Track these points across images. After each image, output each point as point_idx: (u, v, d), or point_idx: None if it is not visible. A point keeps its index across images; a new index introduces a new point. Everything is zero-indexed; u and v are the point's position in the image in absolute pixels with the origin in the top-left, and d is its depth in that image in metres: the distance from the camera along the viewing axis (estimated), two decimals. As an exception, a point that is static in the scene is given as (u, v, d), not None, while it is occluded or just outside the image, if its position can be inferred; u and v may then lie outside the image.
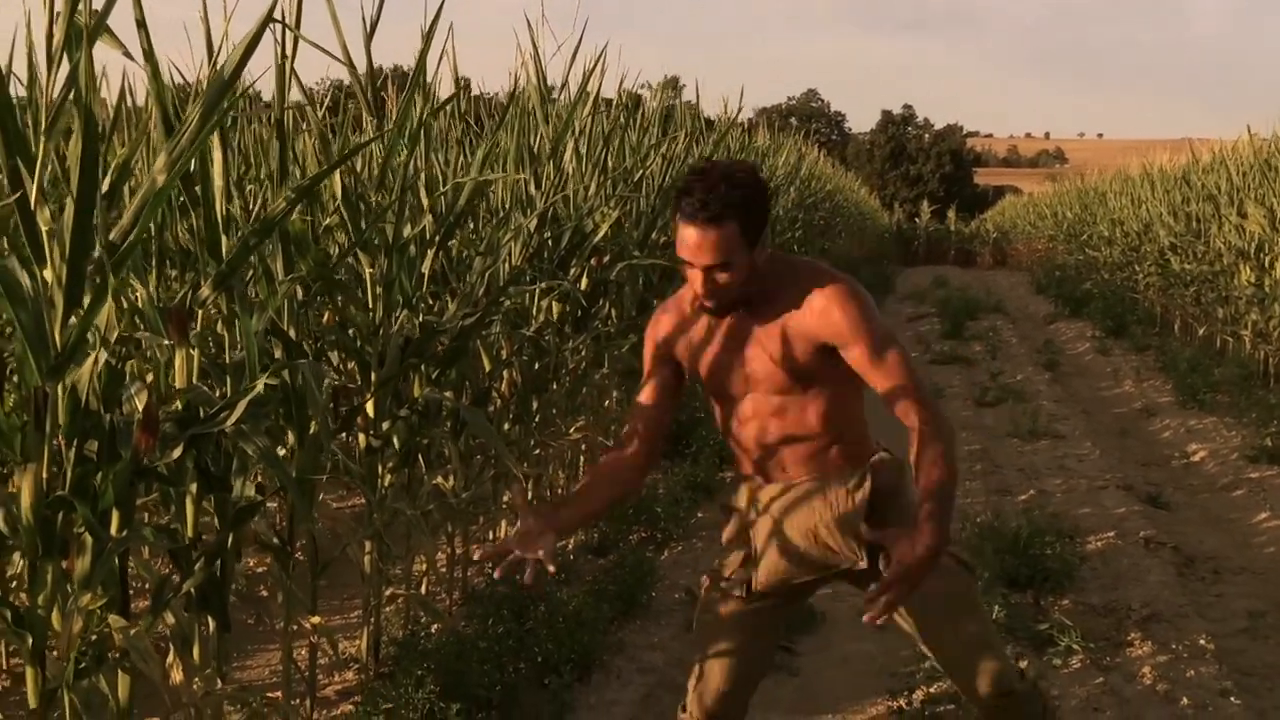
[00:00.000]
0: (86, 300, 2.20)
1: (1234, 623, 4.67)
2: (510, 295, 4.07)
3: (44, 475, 2.23)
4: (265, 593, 4.02)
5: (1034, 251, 26.18)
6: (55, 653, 2.28)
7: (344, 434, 3.61)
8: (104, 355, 2.23)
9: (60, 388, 2.20)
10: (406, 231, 3.84)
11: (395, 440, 3.73)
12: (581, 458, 6.11)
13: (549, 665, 3.81)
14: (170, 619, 2.80)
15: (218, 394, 2.74)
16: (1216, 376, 9.36)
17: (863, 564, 2.41)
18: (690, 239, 2.27)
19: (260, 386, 2.43)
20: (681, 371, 2.56)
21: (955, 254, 34.92)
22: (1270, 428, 7.66)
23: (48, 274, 2.22)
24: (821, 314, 2.35)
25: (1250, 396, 8.74)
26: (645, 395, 2.58)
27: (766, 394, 2.43)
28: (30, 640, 2.26)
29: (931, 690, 3.77)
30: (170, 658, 2.85)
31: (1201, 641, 4.29)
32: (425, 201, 4.07)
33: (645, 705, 3.77)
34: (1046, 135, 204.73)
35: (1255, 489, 6.66)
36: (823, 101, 71.91)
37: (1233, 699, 3.81)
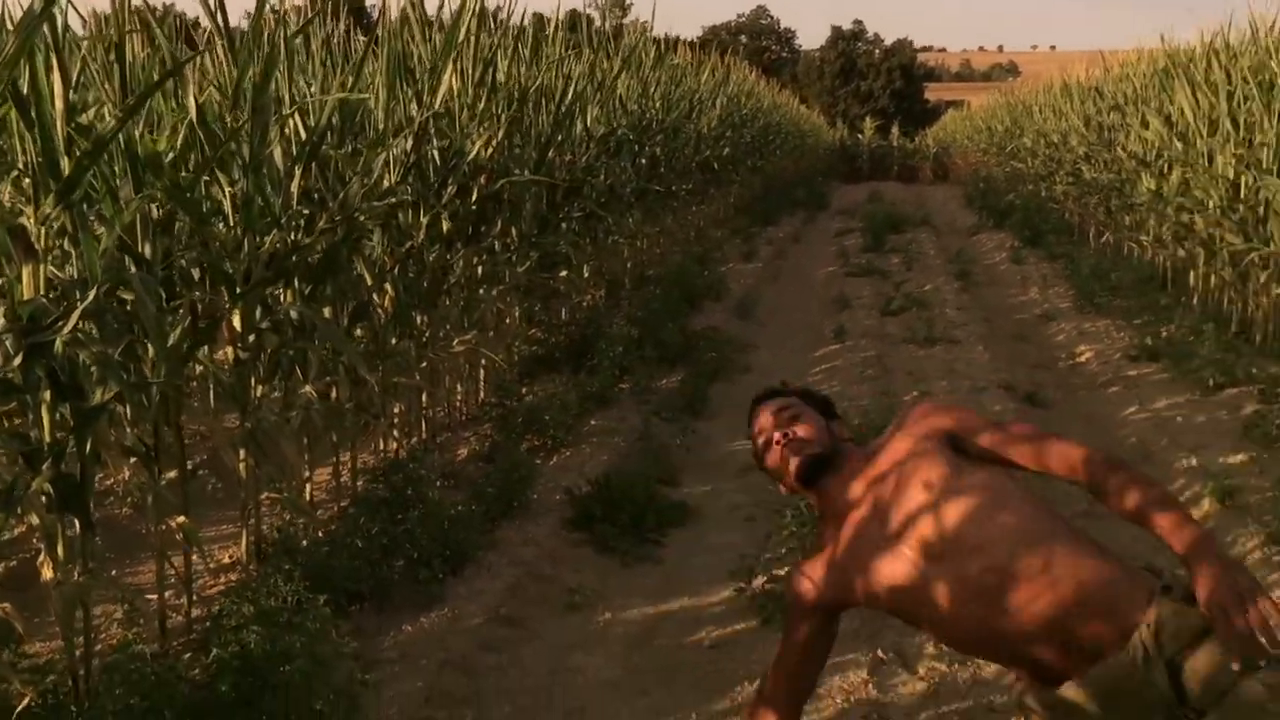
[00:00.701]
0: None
1: (1078, 505, 4.99)
2: (368, 212, 4.22)
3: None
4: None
5: (970, 165, 26.44)
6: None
7: (205, 346, 3.77)
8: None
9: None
10: (276, 153, 4.00)
11: (264, 352, 3.91)
12: (481, 369, 6.31)
13: (422, 561, 4.05)
14: (34, 519, 3.01)
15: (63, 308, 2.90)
16: (1114, 281, 9.69)
17: None
18: (763, 416, 2.35)
19: (91, 297, 2.59)
20: (831, 621, 2.26)
21: (899, 170, 35.09)
22: (1155, 328, 8.00)
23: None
24: (925, 416, 2.21)
25: (1143, 299, 9.08)
26: (785, 651, 2.28)
27: (969, 551, 1.99)
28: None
29: (770, 574, 4.04)
30: (41, 556, 3.06)
31: (1042, 523, 4.60)
32: (295, 122, 4.22)
33: (512, 593, 4.02)
34: (1000, 48, 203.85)
35: (1130, 385, 7.00)
36: (772, 18, 71.28)
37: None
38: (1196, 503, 4.91)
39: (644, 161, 9.85)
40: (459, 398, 6.12)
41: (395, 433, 5.20)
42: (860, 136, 36.89)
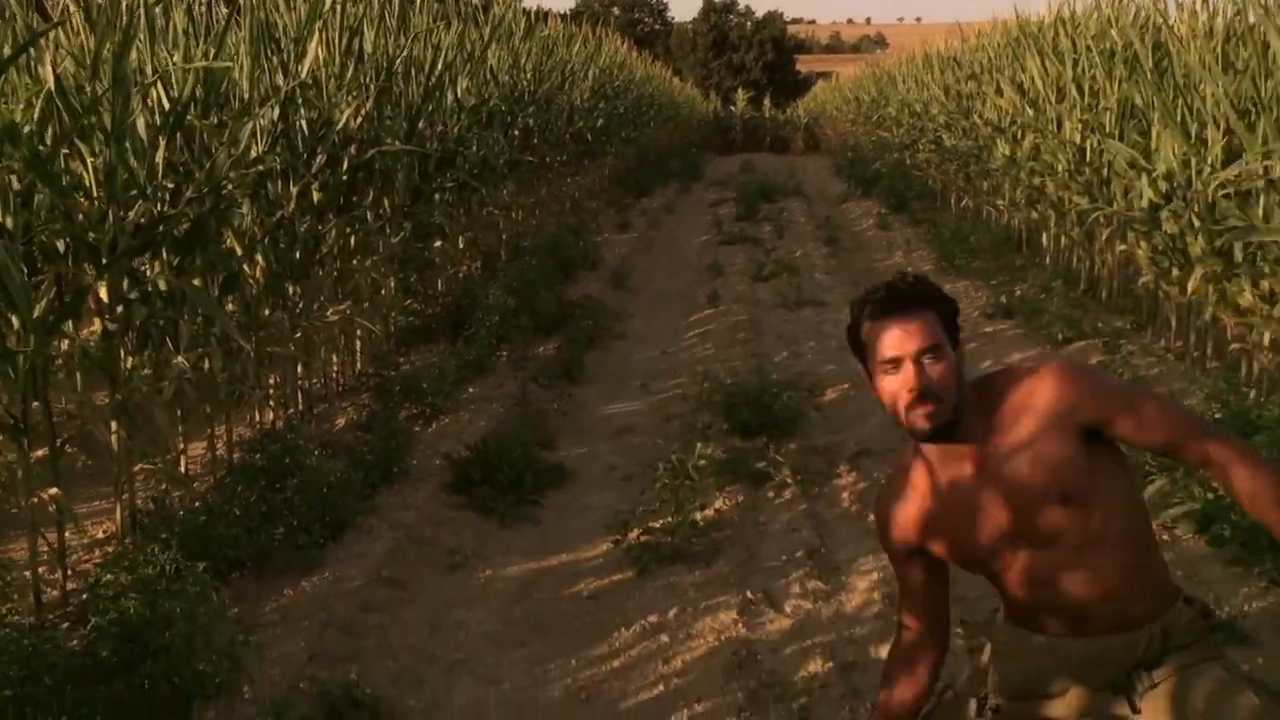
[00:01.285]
0: None
1: (936, 454, 5.26)
2: (236, 181, 4.21)
3: None
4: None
5: (840, 135, 27.00)
6: None
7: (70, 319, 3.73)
8: None
9: None
10: (140, 124, 3.96)
11: (134, 324, 3.89)
12: (357, 341, 6.32)
13: (302, 527, 4.09)
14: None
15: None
16: (973, 244, 10.09)
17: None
18: (892, 333, 1.95)
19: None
20: (937, 557, 2.15)
21: (771, 141, 35.57)
22: (1010, 287, 8.38)
23: None
24: (1060, 397, 1.98)
25: (1000, 260, 9.48)
26: (907, 592, 2.18)
27: (1044, 544, 2.00)
28: None
29: (645, 526, 4.19)
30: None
31: (902, 470, 4.85)
32: (159, 92, 4.18)
33: (393, 555, 4.09)
34: (868, 20, 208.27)
35: (986, 341, 7.35)
36: (644, -9, 71.26)
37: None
38: (1044, 447, 5.22)
39: (517, 133, 9.88)
40: (335, 369, 6.12)
41: (271, 404, 5.19)
42: (733, 108, 37.25)
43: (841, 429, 5.43)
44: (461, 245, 8.39)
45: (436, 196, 7.47)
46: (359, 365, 6.36)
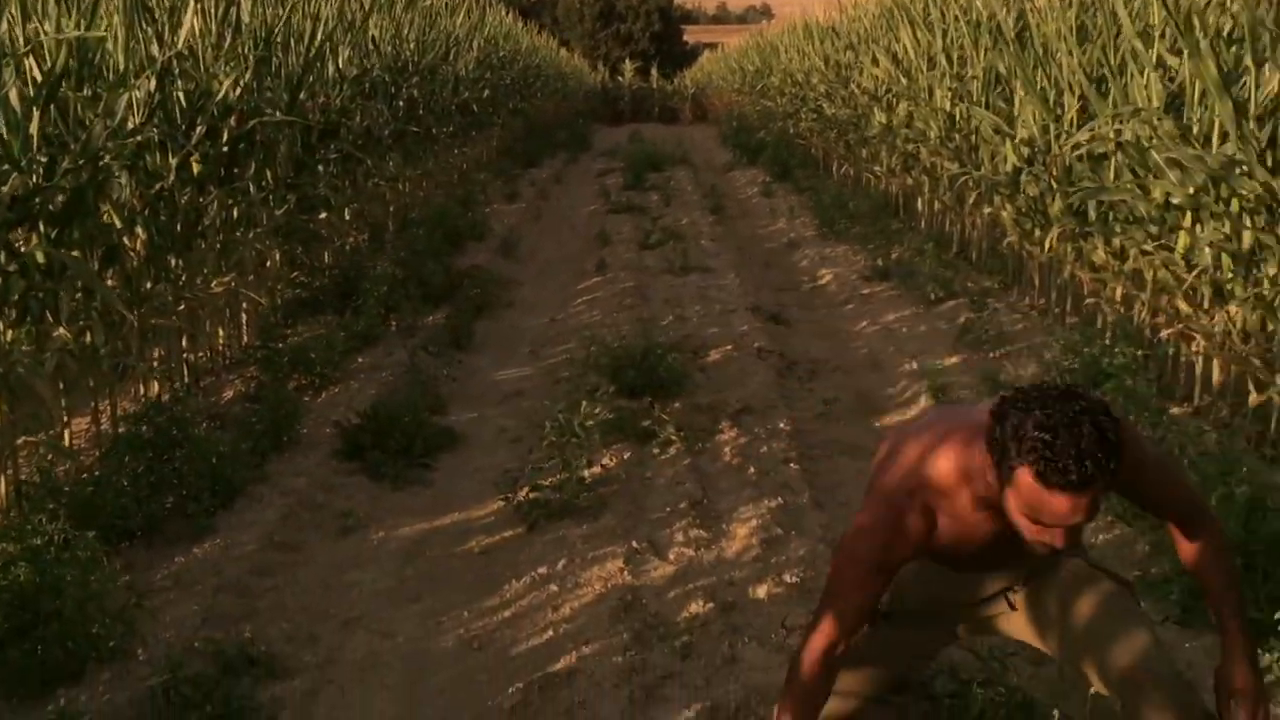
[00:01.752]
0: None
1: (813, 409, 5.50)
2: (112, 152, 4.19)
3: None
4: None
5: (726, 105, 27.27)
6: None
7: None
8: None
9: None
10: (13, 96, 3.92)
11: (11, 297, 3.87)
12: (243, 314, 6.30)
13: (192, 496, 4.12)
14: None
15: None
16: (852, 210, 10.38)
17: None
18: (1063, 504, 1.90)
19: None
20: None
21: (660, 111, 35.71)
22: (886, 250, 8.68)
23: None
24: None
25: (878, 225, 9.79)
26: (860, 600, 2.19)
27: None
28: None
29: (535, 484, 4.32)
30: None
31: (781, 425, 5.07)
32: (30, 64, 4.14)
33: (285, 521, 4.15)
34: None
35: (863, 302, 7.63)
36: (529, -40, 70.59)
37: (792, 465, 4.58)
38: (915, 399, 5.49)
39: (401, 104, 9.85)
40: (221, 342, 6.09)
41: (156, 377, 5.17)
42: (621, 79, 37.30)
43: (725, 388, 5.61)
44: (348, 217, 8.36)
45: (320, 168, 7.44)
46: (245, 338, 6.34)
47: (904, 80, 9.85)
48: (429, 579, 3.84)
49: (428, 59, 11.00)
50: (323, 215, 7.48)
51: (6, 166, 3.84)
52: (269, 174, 6.47)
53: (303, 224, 7.08)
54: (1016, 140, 6.95)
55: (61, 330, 4.01)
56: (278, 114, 6.11)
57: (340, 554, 4.02)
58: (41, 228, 4.10)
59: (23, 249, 3.94)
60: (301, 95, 6.80)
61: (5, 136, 3.85)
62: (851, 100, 12.14)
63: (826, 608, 2.17)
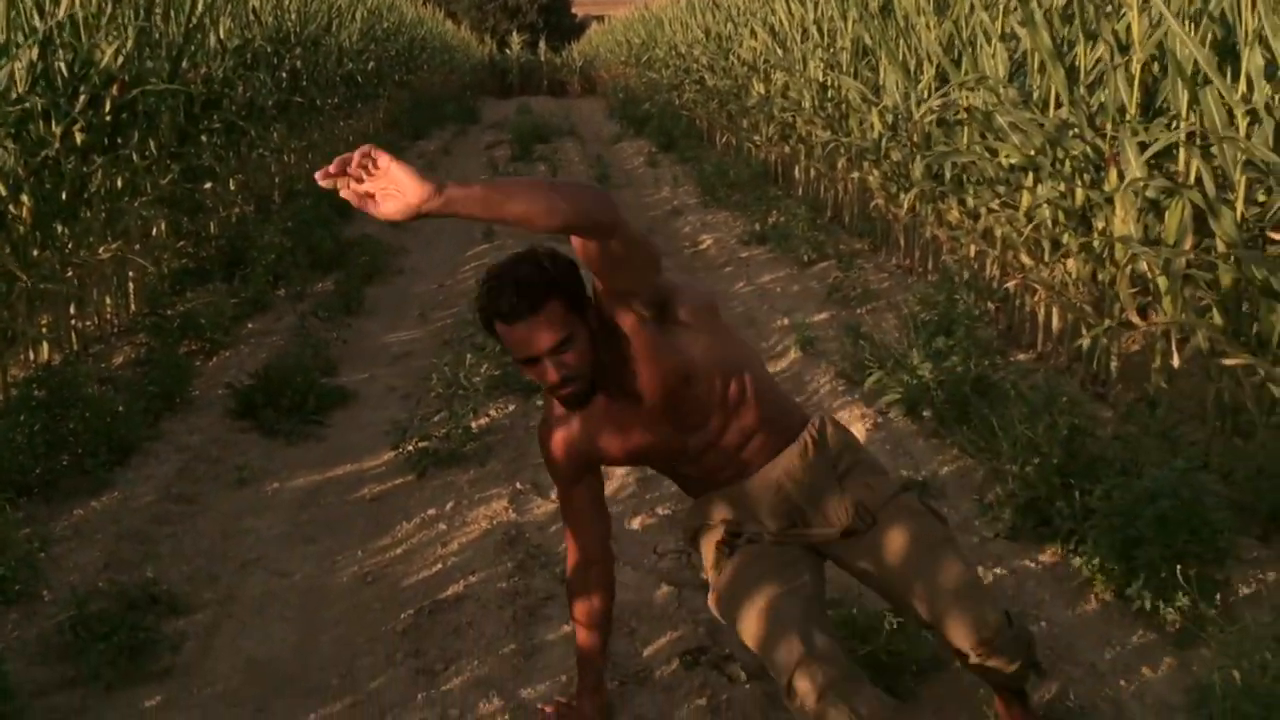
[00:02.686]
0: None
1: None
2: None
3: None
4: None
5: (614, 78, 27.46)
6: None
7: None
8: None
9: None
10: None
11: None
12: (130, 283, 6.36)
13: (88, 453, 4.25)
14: None
15: None
16: (733, 178, 10.72)
17: (842, 526, 2.41)
18: (520, 336, 2.13)
19: None
20: (598, 473, 2.49)
21: (549, 84, 35.71)
22: (764, 216, 9.03)
23: None
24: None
25: (757, 193, 10.14)
26: (575, 516, 2.50)
27: (693, 424, 2.33)
28: None
29: (423, 434, 4.54)
30: None
31: (659, 378, 5.36)
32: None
33: (181, 475, 4.31)
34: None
35: (741, 265, 7.97)
36: (413, -70, 69.51)
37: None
38: (785, 353, 5.83)
39: (284, 75, 9.87)
40: (109, 310, 6.15)
41: (45, 344, 5.24)
42: (509, 52, 37.18)
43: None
44: (233, 188, 8.41)
45: (204, 138, 7.49)
46: (133, 307, 6.40)
47: (780, 51, 10.21)
48: (323, 524, 4.04)
49: (310, 30, 11.01)
50: (208, 185, 7.54)
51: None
52: (152, 143, 6.52)
53: (188, 193, 7.13)
54: (881, 108, 7.35)
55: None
56: (159, 83, 6.16)
57: (237, 504, 4.19)
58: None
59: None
60: (184, 65, 6.86)
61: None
62: (732, 71, 12.48)
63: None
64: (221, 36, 8.05)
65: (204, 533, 3.93)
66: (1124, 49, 4.70)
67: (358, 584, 3.59)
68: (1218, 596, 3.11)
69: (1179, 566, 3.05)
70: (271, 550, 3.83)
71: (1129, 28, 4.62)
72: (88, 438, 4.27)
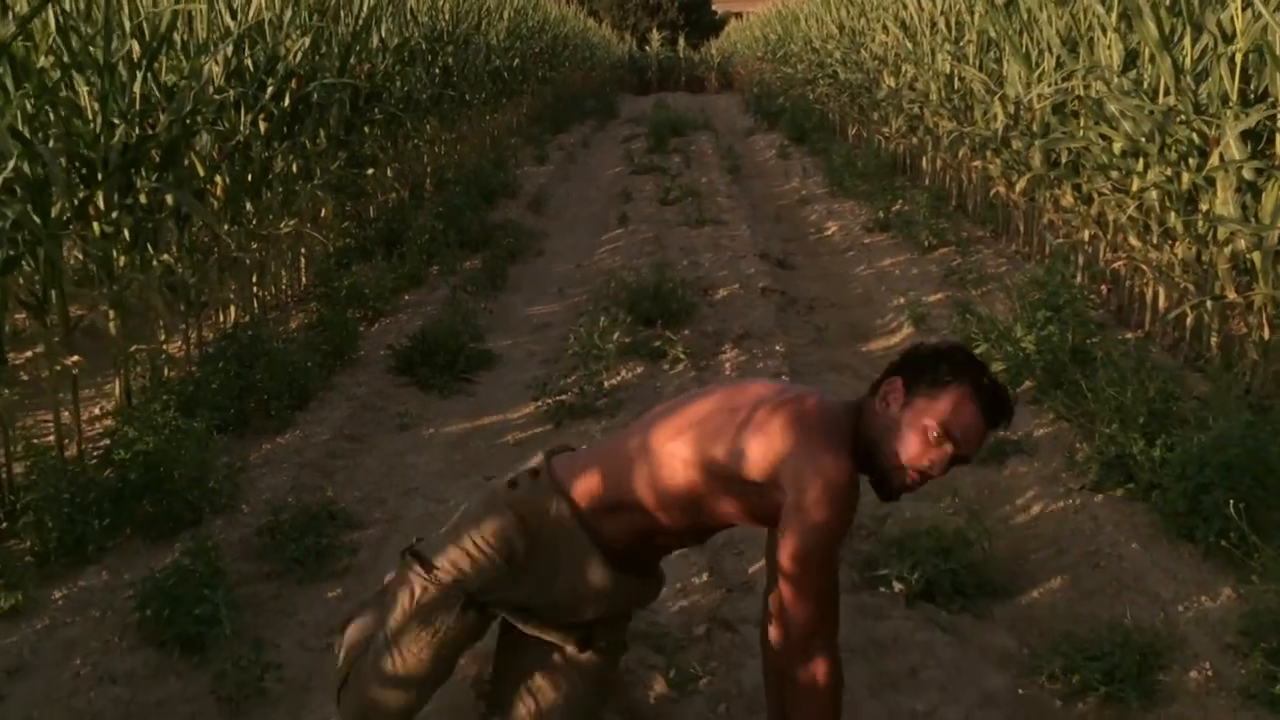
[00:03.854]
0: None
1: (808, 336, 6.20)
2: (206, 103, 4.93)
3: None
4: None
5: (750, 73, 27.81)
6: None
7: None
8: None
9: None
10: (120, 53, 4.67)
11: (125, 228, 4.64)
12: (302, 257, 7.06)
13: (273, 398, 4.88)
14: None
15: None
16: (860, 169, 11.02)
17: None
18: (978, 435, 2.18)
19: (10, 166, 3.33)
20: None
21: (686, 80, 36.19)
22: (889, 204, 9.33)
23: None
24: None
25: (883, 183, 10.42)
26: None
27: None
28: None
29: (561, 389, 5.05)
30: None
31: (777, 348, 5.78)
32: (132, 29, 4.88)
33: (351, 419, 4.91)
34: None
35: (863, 250, 8.30)
36: (556, -70, 70.77)
37: (783, 377, 5.28)
38: (899, 328, 6.18)
39: (437, 70, 10.57)
40: (284, 283, 6.86)
41: (235, 305, 5.94)
42: (648, 49, 37.77)
43: (729, 319, 6.32)
44: (390, 175, 9.10)
45: (367, 129, 8.17)
46: (304, 280, 7.10)
47: (909, 45, 10.46)
48: (473, 463, 4.58)
49: (461, 29, 11.70)
50: (369, 172, 8.22)
51: (117, 120, 4.58)
52: (323, 133, 7.21)
53: (352, 178, 7.82)
54: (1003, 97, 7.60)
55: (166, 256, 4.76)
56: (330, 78, 6.83)
57: (398, 444, 4.77)
58: (144, 173, 4.85)
59: (134, 190, 4.69)
60: (351, 61, 7.54)
61: (113, 96, 4.58)
62: (863, 65, 12.74)
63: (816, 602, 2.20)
64: (383, 35, 8.74)
65: (371, 466, 4.51)
66: (1228, 39, 4.92)
67: (503, 511, 4.10)
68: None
69: (1243, 506, 3.33)
70: (429, 482, 4.39)
71: (1232, 19, 4.85)
72: (273, 386, 4.90)
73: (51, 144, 4.23)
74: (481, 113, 13.27)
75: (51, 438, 4.19)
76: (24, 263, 4.00)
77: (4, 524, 3.78)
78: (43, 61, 4.17)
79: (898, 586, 3.39)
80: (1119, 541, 3.62)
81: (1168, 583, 3.38)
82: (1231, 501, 3.34)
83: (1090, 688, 2.90)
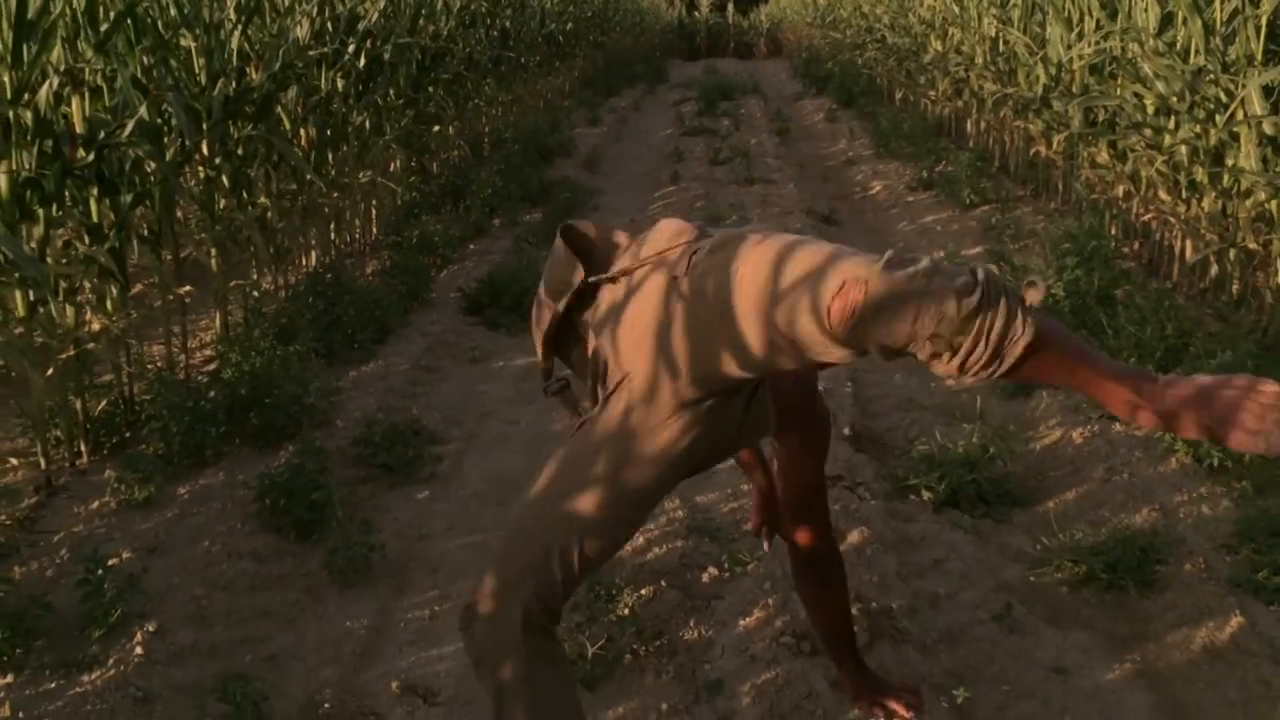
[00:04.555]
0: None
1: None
2: (302, 60, 5.36)
3: (13, 167, 3.57)
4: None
5: (799, 39, 27.92)
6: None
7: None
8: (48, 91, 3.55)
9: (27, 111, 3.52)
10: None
11: (224, 174, 5.09)
12: (374, 209, 7.50)
13: (358, 330, 5.34)
14: (86, 285, 4.19)
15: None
16: (906, 131, 11.28)
17: None
18: None
19: (142, 110, 3.77)
20: None
21: (735, 46, 36.29)
22: (933, 165, 9.62)
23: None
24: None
25: (928, 145, 10.69)
26: None
27: None
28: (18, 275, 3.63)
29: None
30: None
31: (822, 294, 6.13)
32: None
33: (427, 352, 5.35)
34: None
35: (906, 207, 8.62)
36: (606, -105, 70.59)
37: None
38: (937, 278, 6.51)
39: (496, 33, 10.95)
40: (357, 231, 7.31)
41: (313, 253, 6.40)
42: (697, 14, 37.85)
43: (777, 268, 6.68)
44: (452, 132, 9.52)
45: (431, 88, 8.59)
46: (374, 230, 7.55)
47: (956, 9, 10.69)
48: (539, 392, 4.99)
49: (518, -8, 12.09)
50: (435, 129, 8.64)
51: (220, 75, 5.02)
52: (393, 91, 7.63)
53: (420, 135, 8.25)
54: (1045, 59, 7.86)
55: (263, 199, 5.21)
56: (404, 38, 7.24)
57: (471, 374, 5.21)
58: (238, 124, 5.30)
59: (232, 138, 5.14)
60: (419, 23, 7.94)
61: (216, 53, 5.02)
62: (911, 30, 12.96)
63: None
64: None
65: (448, 393, 4.95)
66: (1254, 2, 5.19)
67: (570, 431, 4.53)
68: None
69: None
70: (501, 407, 4.82)
71: (1258, -19, 5.12)
72: (357, 320, 5.35)
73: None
74: (536, 75, 13.65)
75: (161, 363, 4.67)
76: (146, 201, 4.46)
77: (128, 433, 4.26)
78: (158, 20, 4.60)
79: (926, 495, 3.78)
80: (1131, 462, 3.97)
81: (1173, 495, 3.73)
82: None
83: (1094, 577, 3.27)
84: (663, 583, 3.21)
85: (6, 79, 3.55)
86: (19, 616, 2.95)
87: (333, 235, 6.80)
